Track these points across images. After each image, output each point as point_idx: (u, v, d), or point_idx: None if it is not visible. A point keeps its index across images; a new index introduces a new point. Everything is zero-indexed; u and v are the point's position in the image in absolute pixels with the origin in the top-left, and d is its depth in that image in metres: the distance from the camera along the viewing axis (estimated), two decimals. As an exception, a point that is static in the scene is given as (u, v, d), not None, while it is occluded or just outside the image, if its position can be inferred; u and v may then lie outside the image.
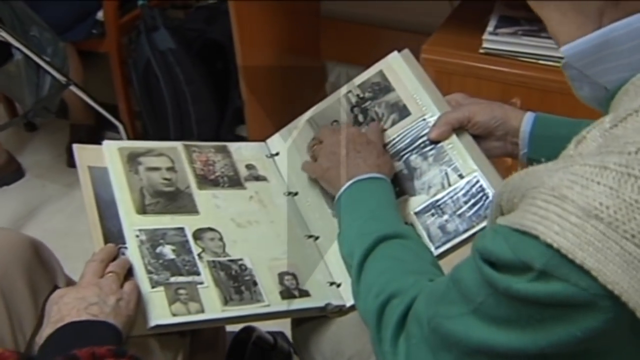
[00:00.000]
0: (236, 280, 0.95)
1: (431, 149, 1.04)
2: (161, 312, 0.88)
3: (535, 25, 1.61)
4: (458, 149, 1.02)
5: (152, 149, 1.10)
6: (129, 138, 2.22)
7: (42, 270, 1.05)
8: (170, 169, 1.08)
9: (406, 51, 1.13)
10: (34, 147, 2.55)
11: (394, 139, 1.08)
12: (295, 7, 2.23)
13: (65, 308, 0.80)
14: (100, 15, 2.18)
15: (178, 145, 1.12)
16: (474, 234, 0.97)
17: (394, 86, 1.11)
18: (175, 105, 2.20)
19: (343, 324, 0.98)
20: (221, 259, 0.97)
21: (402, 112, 1.09)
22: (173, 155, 1.10)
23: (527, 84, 1.62)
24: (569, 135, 0.98)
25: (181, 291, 0.91)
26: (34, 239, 1.06)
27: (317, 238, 1.06)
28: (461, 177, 1.01)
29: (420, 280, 0.79)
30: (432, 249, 0.98)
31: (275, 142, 1.19)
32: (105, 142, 1.08)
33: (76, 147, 1.05)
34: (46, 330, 0.79)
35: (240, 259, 0.98)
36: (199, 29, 2.22)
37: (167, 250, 0.95)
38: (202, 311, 0.90)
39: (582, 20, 0.65)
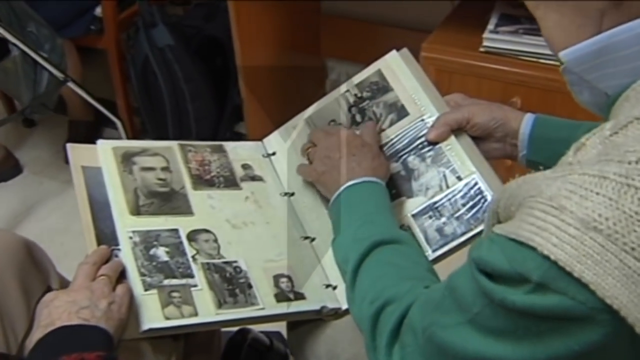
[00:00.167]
0: (230, 283, 0.94)
1: (429, 150, 1.03)
2: (154, 315, 0.87)
3: (536, 24, 1.59)
4: (456, 151, 1.01)
5: (147, 148, 1.08)
6: (127, 135, 2.21)
7: (35, 271, 1.04)
8: (165, 169, 1.06)
9: (405, 50, 1.12)
10: (33, 143, 2.55)
11: (391, 140, 1.07)
12: (296, 5, 2.21)
13: (56, 312, 0.79)
14: (98, 11, 2.18)
15: (173, 144, 1.11)
16: (471, 237, 0.96)
17: (392, 86, 1.09)
18: (173, 102, 2.19)
19: (339, 327, 0.97)
20: (215, 261, 0.96)
21: (400, 112, 1.07)
22: (168, 155, 1.09)
23: (527, 82, 1.61)
24: (569, 137, 0.97)
25: (175, 294, 0.89)
26: (27, 240, 1.05)
27: (313, 239, 1.05)
28: (459, 179, 0.99)
29: (415, 286, 0.78)
30: (430, 251, 0.96)
31: (272, 141, 1.18)
32: (100, 142, 1.06)
33: (70, 147, 1.03)
34: (36, 334, 0.77)
35: (235, 261, 0.97)
36: (197, 25, 2.21)
37: (161, 252, 0.94)
38: (196, 314, 0.89)
39: (582, 21, 0.64)
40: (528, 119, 1.00)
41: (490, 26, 1.65)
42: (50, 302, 0.81)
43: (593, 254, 0.53)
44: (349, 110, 1.11)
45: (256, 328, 1.25)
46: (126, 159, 1.05)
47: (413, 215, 1.00)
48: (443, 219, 0.98)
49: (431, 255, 0.96)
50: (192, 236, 0.98)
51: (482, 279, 0.60)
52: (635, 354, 0.57)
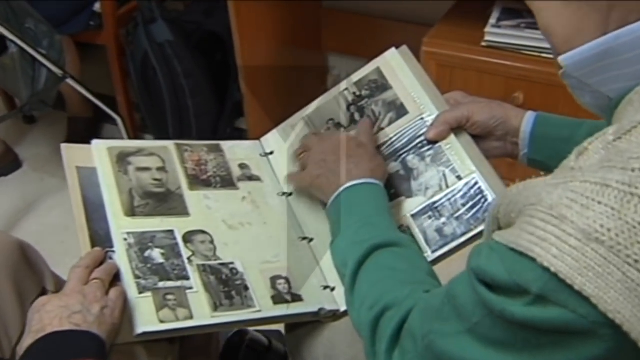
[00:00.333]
0: (227, 285, 0.92)
1: (429, 149, 1.01)
2: (148, 318, 0.85)
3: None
4: (456, 150, 0.99)
5: (142, 148, 1.07)
6: (127, 131, 2.20)
7: (30, 272, 1.03)
8: (161, 169, 1.05)
9: (404, 48, 1.10)
10: (33, 139, 2.54)
11: (390, 139, 1.05)
12: (296, 0, 2.19)
13: (47, 317, 0.78)
14: (97, 7, 2.16)
15: (169, 144, 1.09)
16: (472, 238, 0.94)
17: (391, 84, 1.08)
18: (173, 98, 2.17)
19: (337, 330, 0.95)
20: (211, 262, 0.95)
21: (400, 110, 1.06)
22: (164, 155, 1.07)
23: (530, 77, 1.59)
24: (571, 136, 0.96)
25: (169, 297, 0.88)
26: (21, 241, 1.04)
27: (311, 240, 1.03)
28: (459, 178, 0.98)
29: (415, 290, 0.76)
30: (429, 252, 0.95)
31: (270, 140, 1.16)
32: (95, 142, 1.05)
33: (64, 147, 1.02)
34: (27, 340, 0.76)
35: (232, 263, 0.96)
36: (197, 21, 2.19)
37: (156, 254, 0.93)
38: (191, 317, 0.87)
39: (587, 10, 0.61)
40: (529, 117, 0.98)
41: (492, 20, 1.63)
42: (42, 307, 0.80)
43: (595, 266, 0.51)
44: (348, 108, 1.10)
45: (255, 328, 1.24)
46: (121, 159, 1.03)
47: (412, 216, 0.98)
48: (443, 219, 0.96)
49: (431, 256, 0.95)
50: (188, 237, 0.97)
51: (481, 289, 0.58)
52: None
